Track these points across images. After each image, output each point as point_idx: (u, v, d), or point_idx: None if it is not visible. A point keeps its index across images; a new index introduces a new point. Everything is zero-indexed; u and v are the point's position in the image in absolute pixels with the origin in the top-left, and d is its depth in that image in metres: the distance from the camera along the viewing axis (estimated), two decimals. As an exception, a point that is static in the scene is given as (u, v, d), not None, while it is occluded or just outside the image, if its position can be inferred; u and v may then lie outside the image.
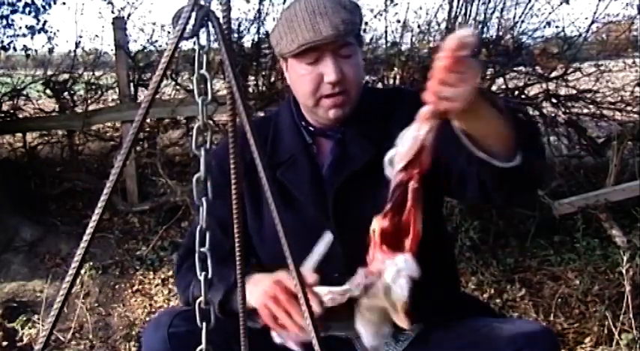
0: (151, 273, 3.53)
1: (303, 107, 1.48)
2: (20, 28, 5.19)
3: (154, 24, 4.96)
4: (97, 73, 4.77)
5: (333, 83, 1.36)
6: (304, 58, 1.37)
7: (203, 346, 0.84)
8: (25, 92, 4.77)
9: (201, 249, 0.81)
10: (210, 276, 1.00)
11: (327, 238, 1.32)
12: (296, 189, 1.43)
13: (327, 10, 1.35)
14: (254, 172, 1.33)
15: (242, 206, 0.87)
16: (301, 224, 1.39)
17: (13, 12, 5.19)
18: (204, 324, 0.84)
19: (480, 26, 4.30)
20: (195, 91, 0.77)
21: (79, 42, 4.74)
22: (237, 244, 0.89)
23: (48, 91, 4.71)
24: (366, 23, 4.17)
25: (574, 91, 4.41)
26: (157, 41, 4.69)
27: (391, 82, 4.04)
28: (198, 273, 0.82)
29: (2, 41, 5.21)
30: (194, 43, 0.76)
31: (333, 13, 1.34)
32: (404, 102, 1.46)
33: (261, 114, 4.24)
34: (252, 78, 4.31)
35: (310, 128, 1.47)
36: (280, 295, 1.25)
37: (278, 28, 1.41)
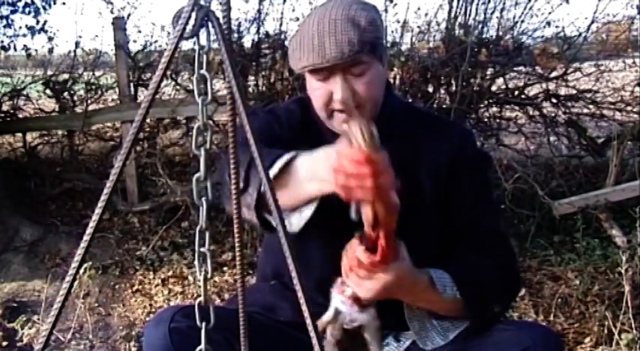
0: (151, 273, 3.53)
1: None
2: (20, 28, 5.21)
3: (153, 24, 4.97)
4: (97, 73, 4.78)
5: (342, 102, 1.34)
6: (314, 75, 1.36)
7: (202, 346, 0.83)
8: (25, 92, 4.77)
9: (201, 249, 0.81)
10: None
11: None
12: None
13: (337, 28, 1.29)
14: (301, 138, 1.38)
15: (240, 205, 0.87)
16: (324, 220, 1.39)
17: (13, 12, 5.20)
18: (203, 324, 0.84)
19: (479, 26, 4.30)
20: (196, 91, 0.77)
21: (79, 42, 4.76)
22: (237, 245, 0.89)
23: (48, 91, 4.72)
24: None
25: (574, 91, 4.41)
26: (156, 41, 4.71)
27: (390, 82, 4.04)
28: (198, 273, 0.82)
29: (2, 41, 5.22)
30: (194, 43, 0.76)
31: (342, 33, 1.29)
32: (439, 132, 1.47)
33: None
34: (252, 78, 4.30)
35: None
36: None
37: (292, 42, 1.39)
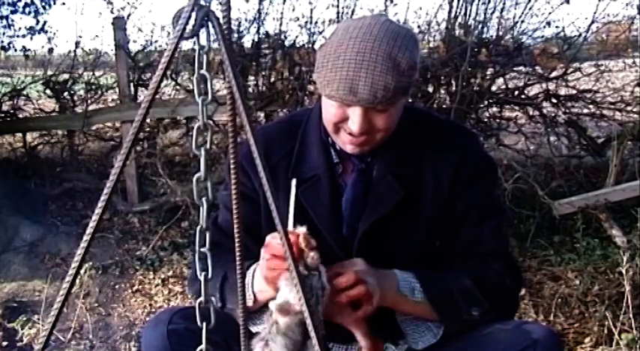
0: (151, 273, 3.53)
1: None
2: (20, 28, 5.21)
3: (153, 24, 4.96)
4: (97, 73, 4.78)
5: (355, 134, 1.29)
6: None
7: (203, 346, 0.83)
8: (25, 92, 4.78)
9: (202, 249, 0.81)
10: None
11: (293, 189, 1.29)
12: (314, 212, 1.39)
13: (376, 66, 1.21)
14: (276, 176, 1.39)
15: (241, 206, 0.87)
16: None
17: (13, 12, 5.20)
18: (204, 324, 0.84)
19: (479, 26, 4.30)
20: (196, 91, 0.77)
21: (79, 42, 4.76)
22: (237, 244, 0.89)
23: (48, 91, 4.72)
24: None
25: (574, 91, 4.42)
26: (156, 41, 4.71)
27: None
28: (198, 273, 0.82)
29: (2, 41, 5.22)
30: (194, 43, 0.76)
31: (380, 74, 1.21)
32: (442, 136, 1.43)
33: (261, 114, 4.24)
34: (252, 78, 4.30)
35: (337, 146, 1.41)
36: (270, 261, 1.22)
37: (324, 53, 1.28)
